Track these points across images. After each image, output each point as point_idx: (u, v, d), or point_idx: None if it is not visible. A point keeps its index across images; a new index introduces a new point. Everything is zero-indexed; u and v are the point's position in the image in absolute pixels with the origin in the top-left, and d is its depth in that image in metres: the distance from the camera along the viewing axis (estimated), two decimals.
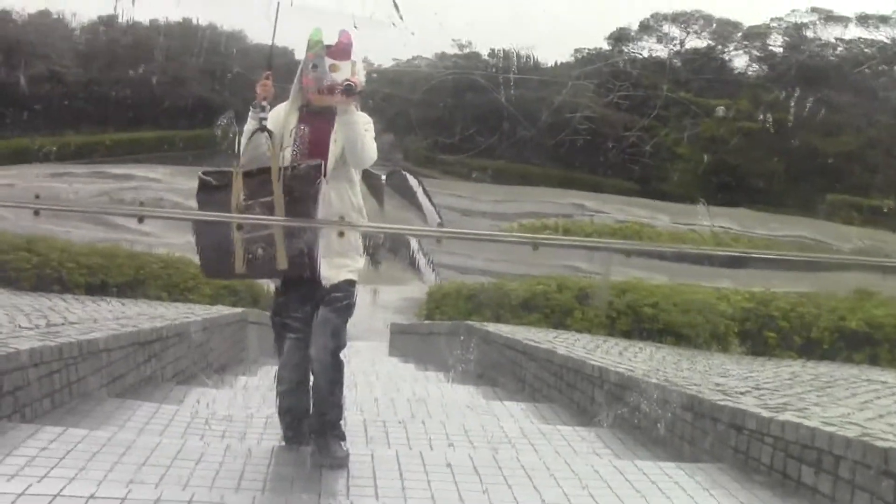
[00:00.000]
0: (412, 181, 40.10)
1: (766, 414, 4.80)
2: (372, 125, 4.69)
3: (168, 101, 54.72)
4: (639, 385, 6.16)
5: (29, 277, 10.50)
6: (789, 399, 5.60)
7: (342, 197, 4.66)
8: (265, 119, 4.57)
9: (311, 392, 4.77)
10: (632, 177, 49.77)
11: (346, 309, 4.70)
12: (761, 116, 47.15)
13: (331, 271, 4.60)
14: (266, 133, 4.55)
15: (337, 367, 4.69)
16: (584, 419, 6.76)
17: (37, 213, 5.20)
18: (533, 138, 47.91)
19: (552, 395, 7.59)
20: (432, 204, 35.64)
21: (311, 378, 4.75)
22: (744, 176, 47.70)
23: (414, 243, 36.73)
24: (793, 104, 46.34)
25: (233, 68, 50.43)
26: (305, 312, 4.68)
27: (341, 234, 4.59)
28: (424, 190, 37.61)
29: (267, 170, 4.46)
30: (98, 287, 10.96)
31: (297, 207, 4.42)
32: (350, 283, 4.69)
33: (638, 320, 11.34)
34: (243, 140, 4.62)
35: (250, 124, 4.59)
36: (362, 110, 4.67)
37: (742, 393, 5.76)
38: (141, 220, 8.58)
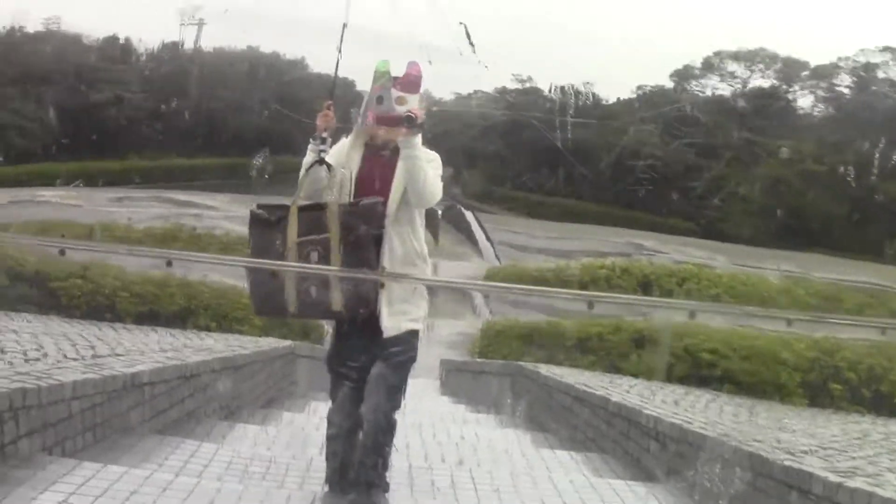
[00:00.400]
0: (469, 216, 40.07)
1: (833, 478, 4.51)
2: (438, 162, 4.46)
3: (231, 127, 55.74)
4: (696, 438, 5.89)
5: (80, 305, 10.57)
6: (859, 462, 5.29)
7: (404, 241, 4.40)
8: (324, 151, 4.37)
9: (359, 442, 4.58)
10: (691, 216, 49.27)
11: (405, 365, 4.46)
12: (827, 158, 46.35)
13: (391, 320, 4.36)
14: (325, 166, 4.35)
15: (389, 429, 4.47)
16: (637, 472, 6.49)
17: (62, 252, 5.16)
18: (591, 176, 47.76)
19: (605, 444, 7.33)
20: (489, 240, 35.45)
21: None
22: (807, 218, 46.87)
23: (474, 222, 36.61)
24: (861, 146, 45.41)
25: (289, 97, 51.12)
26: (362, 363, 4.47)
27: (382, 284, 4.36)
28: (481, 225, 37.46)
29: (325, 206, 4.28)
30: (148, 316, 10.98)
31: (355, 247, 4.22)
32: (412, 335, 4.45)
33: (696, 366, 11.04)
34: (301, 173, 4.41)
35: (309, 157, 4.38)
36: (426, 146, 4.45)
37: (806, 452, 5.47)
38: (169, 263, 8.52)
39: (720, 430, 6.12)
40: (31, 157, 47.55)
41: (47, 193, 38.75)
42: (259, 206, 4.40)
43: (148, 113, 55.64)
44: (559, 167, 51.11)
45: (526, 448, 7.32)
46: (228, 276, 13.09)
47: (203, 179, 50.68)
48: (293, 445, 6.37)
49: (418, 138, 4.29)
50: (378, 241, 4.31)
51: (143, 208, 35.60)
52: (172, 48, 64.31)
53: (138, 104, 55.52)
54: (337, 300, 4.22)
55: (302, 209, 4.30)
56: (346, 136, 4.55)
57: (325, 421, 4.73)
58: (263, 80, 60.12)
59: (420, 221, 4.50)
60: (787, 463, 4.95)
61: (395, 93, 4.28)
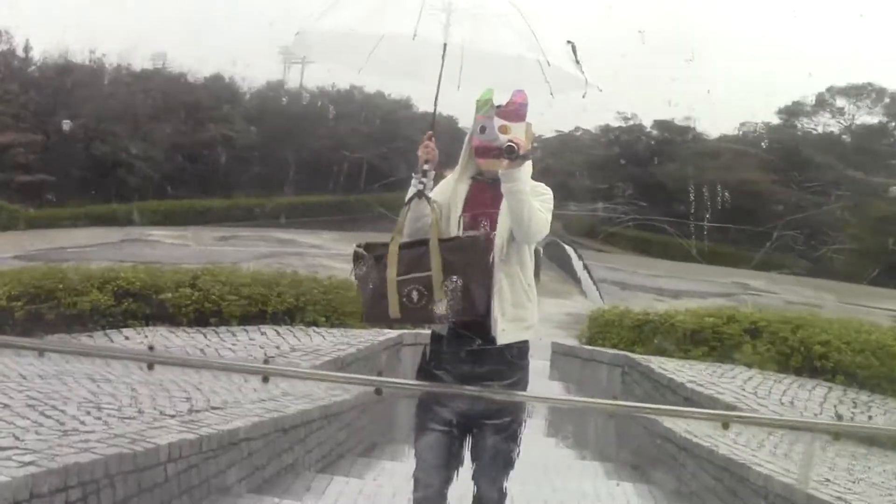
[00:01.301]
0: (570, 252, 39.67)
1: None
2: (550, 196, 4.19)
3: (335, 165, 56.49)
4: (806, 500, 5.72)
5: (188, 313, 10.81)
6: None
7: (513, 282, 4.13)
8: (424, 185, 4.14)
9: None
10: (797, 254, 48.13)
11: (518, 432, 4.23)
12: None
13: (504, 325, 4.08)
14: (425, 199, 4.12)
15: (501, 499, 4.28)
16: None
17: (151, 366, 5.28)
18: (693, 213, 47.13)
19: (711, 502, 7.16)
20: (591, 278, 34.89)
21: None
22: None
23: (576, 259, 36.34)
24: None
25: (393, 136, 51.68)
26: (460, 407, 4.16)
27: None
28: (583, 263, 36.93)
29: (426, 241, 4.03)
30: (256, 316, 11.14)
31: (460, 286, 3.94)
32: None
33: (810, 358, 10.97)
34: (403, 208, 4.18)
35: (410, 191, 4.16)
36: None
37: None
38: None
39: (833, 491, 5.96)
40: (140, 194, 48.71)
41: (157, 232, 39.97)
42: (361, 245, 4.19)
43: (253, 151, 56.72)
44: (660, 203, 50.60)
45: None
46: (340, 269, 12.89)
47: (308, 217, 51.41)
48: (395, 502, 6.20)
49: (522, 170, 3.99)
50: (486, 281, 4.06)
51: (248, 247, 36.28)
52: (277, 87, 65.72)
53: (244, 142, 56.64)
54: (441, 304, 3.94)
55: (404, 246, 4.08)
56: (451, 170, 4.33)
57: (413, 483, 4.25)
58: (368, 118, 61.01)
59: (530, 259, 4.25)
60: None
61: (497, 121, 4.07)
